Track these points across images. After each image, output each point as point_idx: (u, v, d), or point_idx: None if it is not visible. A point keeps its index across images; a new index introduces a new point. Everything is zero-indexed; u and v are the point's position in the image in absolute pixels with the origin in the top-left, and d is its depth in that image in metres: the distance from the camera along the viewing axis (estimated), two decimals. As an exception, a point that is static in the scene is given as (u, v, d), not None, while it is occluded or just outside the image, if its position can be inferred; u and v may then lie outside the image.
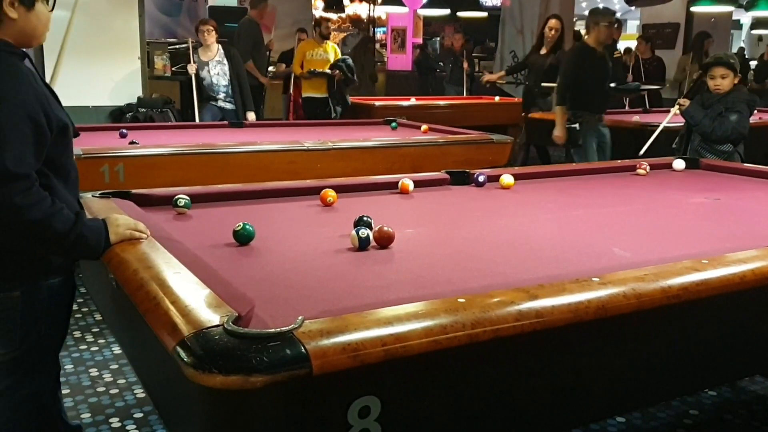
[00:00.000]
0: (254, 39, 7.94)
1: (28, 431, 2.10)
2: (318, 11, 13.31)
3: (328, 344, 1.35)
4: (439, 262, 2.12)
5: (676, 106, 4.71)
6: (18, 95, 1.81)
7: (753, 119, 5.10)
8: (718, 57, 4.78)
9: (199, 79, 6.49)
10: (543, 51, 7.51)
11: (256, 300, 1.62)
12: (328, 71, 7.85)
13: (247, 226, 2.25)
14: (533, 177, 3.61)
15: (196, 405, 1.41)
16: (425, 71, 12.74)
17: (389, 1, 13.21)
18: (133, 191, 2.79)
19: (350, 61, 8.09)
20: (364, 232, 2.22)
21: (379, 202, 3.00)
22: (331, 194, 2.87)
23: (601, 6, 17.58)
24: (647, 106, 8.62)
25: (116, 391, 3.20)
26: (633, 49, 10.48)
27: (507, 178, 3.34)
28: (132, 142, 4.46)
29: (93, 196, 2.63)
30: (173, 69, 8.96)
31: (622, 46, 11.74)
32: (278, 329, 1.36)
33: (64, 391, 2.51)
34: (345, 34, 15.08)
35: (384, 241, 2.23)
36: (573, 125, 5.74)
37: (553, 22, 7.40)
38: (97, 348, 3.62)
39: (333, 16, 14.11)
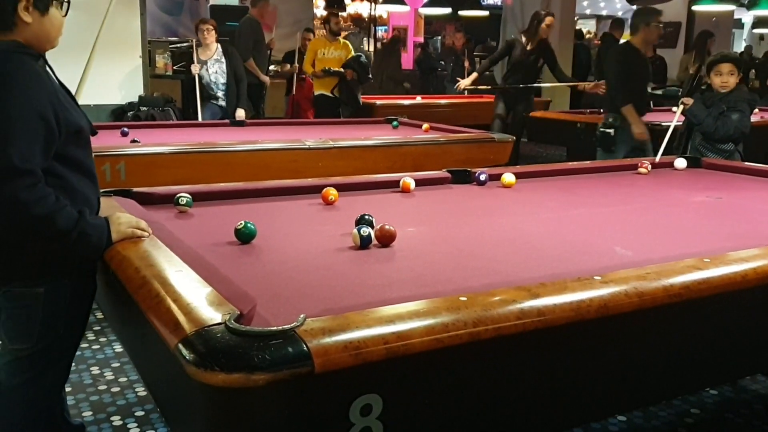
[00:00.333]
0: (255, 38, 7.93)
1: (37, 430, 2.12)
2: (319, 10, 13.30)
3: (329, 342, 1.35)
4: (440, 261, 2.12)
5: (681, 106, 4.70)
6: (28, 93, 1.84)
7: (754, 118, 5.09)
8: (726, 53, 4.77)
9: (198, 78, 6.50)
10: (529, 47, 7.16)
11: (258, 298, 1.62)
12: (342, 70, 7.64)
13: (249, 225, 2.25)
14: (535, 176, 3.61)
15: (197, 403, 1.41)
16: (427, 70, 12.73)
17: (390, -1, 13.21)
18: (135, 190, 2.80)
19: (363, 58, 7.90)
20: (365, 230, 2.22)
21: (380, 200, 3.00)
22: (332, 193, 2.87)
23: (602, 5, 17.57)
24: (650, 106, 8.60)
25: (117, 389, 3.20)
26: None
27: (508, 177, 3.34)
28: (133, 141, 4.46)
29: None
30: (174, 68, 8.97)
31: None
32: (280, 327, 1.36)
33: (66, 390, 2.51)
34: (346, 32, 15.06)
35: (385, 239, 2.23)
36: (608, 130, 5.47)
37: (550, 19, 7.20)
38: (98, 346, 3.62)
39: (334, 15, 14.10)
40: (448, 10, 12.60)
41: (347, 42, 8.12)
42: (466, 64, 10.83)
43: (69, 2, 2.06)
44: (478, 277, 1.92)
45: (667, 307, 1.79)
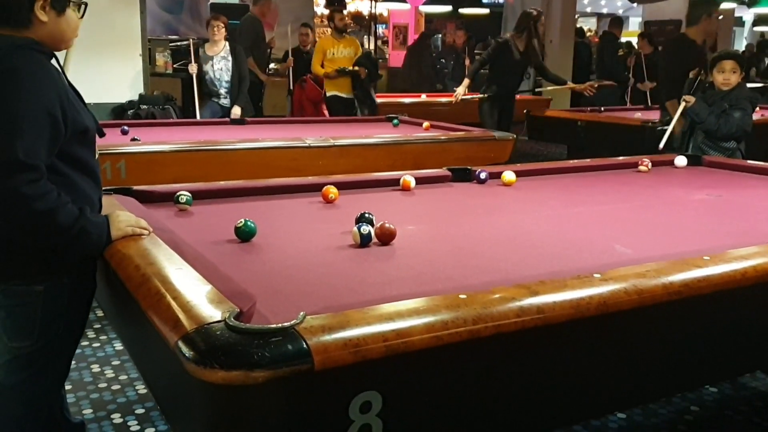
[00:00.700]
0: (255, 36, 7.93)
1: (35, 429, 2.12)
2: (320, 8, 13.30)
3: (329, 340, 1.35)
4: (440, 259, 2.13)
5: (683, 103, 4.69)
6: (38, 89, 1.85)
7: (755, 116, 5.09)
8: (728, 51, 4.76)
9: (202, 75, 6.50)
10: (521, 48, 6.86)
11: (258, 296, 1.63)
12: (355, 69, 7.40)
13: (249, 223, 2.25)
14: (535, 174, 3.61)
15: (197, 400, 1.41)
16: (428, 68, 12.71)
17: (391, -3, 13.21)
18: (135, 188, 2.80)
19: (371, 55, 7.79)
20: (365, 228, 2.22)
21: (380, 198, 3.00)
22: (332, 191, 2.87)
23: (603, 2, 17.58)
24: (649, 103, 8.60)
25: (118, 387, 3.21)
26: (635, 46, 10.47)
27: (509, 175, 3.34)
28: (134, 139, 4.46)
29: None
30: (175, 66, 8.97)
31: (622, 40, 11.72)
32: (280, 325, 1.36)
33: (66, 388, 2.52)
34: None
35: (385, 237, 2.23)
36: (664, 128, 5.14)
37: (542, 18, 7.00)
38: (98, 344, 3.63)
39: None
40: (448, 8, 12.61)
41: (354, 38, 7.90)
42: (467, 62, 10.84)
43: (86, 4, 2.08)
44: (478, 275, 1.93)
45: (667, 304, 1.79)
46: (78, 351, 2.79)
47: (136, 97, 6.97)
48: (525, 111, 7.65)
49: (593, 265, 1.95)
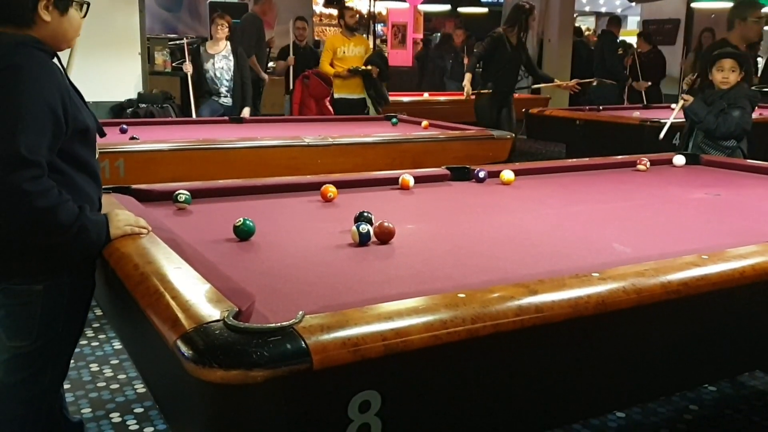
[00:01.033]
0: (257, 35, 7.92)
1: (35, 428, 2.12)
2: (319, 7, 13.29)
3: (328, 339, 1.35)
4: (439, 258, 2.13)
5: (681, 101, 4.68)
6: (40, 86, 1.86)
7: (755, 115, 5.08)
8: (728, 49, 4.75)
9: (201, 74, 6.49)
10: (513, 42, 6.80)
11: (257, 295, 1.62)
12: (368, 68, 7.11)
13: (248, 222, 2.25)
14: (534, 173, 3.61)
15: (196, 399, 1.41)
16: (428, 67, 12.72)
17: (390, -4, 13.20)
18: (134, 186, 2.79)
19: (382, 53, 7.56)
20: (364, 227, 2.22)
21: (379, 197, 3.00)
22: (331, 190, 2.87)
23: (601, 1, 17.55)
24: (645, 102, 8.61)
25: (117, 386, 3.21)
26: (633, 45, 10.47)
27: (507, 174, 3.34)
28: (132, 138, 4.46)
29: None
30: (173, 64, 8.97)
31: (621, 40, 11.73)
32: (279, 324, 1.36)
33: (65, 387, 2.52)
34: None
35: (384, 236, 2.23)
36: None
37: (534, 12, 6.91)
38: (97, 343, 3.63)
39: (334, 11, 14.08)
40: (447, 7, 12.60)
41: (364, 37, 7.66)
42: (466, 60, 10.84)
43: (89, 4, 2.09)
44: (477, 274, 1.93)
45: (666, 303, 1.79)
46: (77, 350, 2.79)
47: (134, 96, 6.97)
48: (523, 110, 7.65)
49: (592, 264, 1.95)
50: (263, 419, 1.36)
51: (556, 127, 7.25)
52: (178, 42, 8.89)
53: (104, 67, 6.55)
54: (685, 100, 4.64)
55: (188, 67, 6.48)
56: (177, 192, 2.69)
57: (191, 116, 6.55)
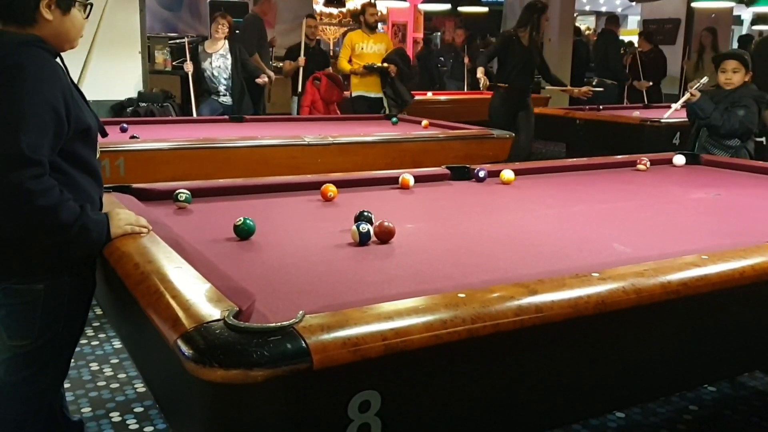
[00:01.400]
0: (259, 34, 7.92)
1: (35, 427, 2.12)
2: (319, 6, 13.28)
3: (328, 339, 1.35)
4: (439, 257, 2.13)
5: (688, 93, 4.66)
6: (42, 85, 1.86)
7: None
8: (731, 50, 4.75)
9: (200, 72, 6.50)
10: (525, 43, 6.60)
11: (257, 294, 1.63)
12: (385, 65, 6.92)
13: (248, 221, 2.25)
14: (534, 172, 3.61)
15: (196, 399, 1.41)
16: (429, 66, 12.69)
17: (390, -5, 13.15)
18: (134, 186, 2.80)
19: (404, 51, 7.26)
20: (364, 227, 2.22)
21: (379, 197, 3.00)
22: (331, 189, 2.87)
23: (601, 1, 17.54)
24: (646, 102, 8.61)
25: (117, 385, 3.21)
26: (635, 44, 10.47)
27: (507, 174, 3.34)
28: (133, 137, 4.46)
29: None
30: (174, 64, 8.96)
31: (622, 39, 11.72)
32: (279, 324, 1.37)
33: (65, 386, 2.52)
34: (345, 28, 15.06)
35: (384, 236, 2.23)
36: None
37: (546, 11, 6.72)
38: (97, 342, 3.63)
39: (334, 11, 14.08)
40: (447, 6, 12.59)
41: (386, 34, 7.48)
42: (466, 60, 10.84)
43: (92, 5, 2.09)
44: (477, 274, 1.93)
45: (665, 303, 1.79)
46: (77, 349, 2.79)
47: (135, 95, 6.96)
48: (527, 116, 7.60)
49: (592, 263, 1.95)
50: (263, 419, 1.36)
51: (556, 126, 7.25)
52: (178, 41, 8.88)
53: (104, 66, 6.53)
54: (692, 95, 4.62)
55: (189, 66, 6.50)
56: (177, 191, 2.69)
57: (191, 115, 6.55)
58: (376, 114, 6.72)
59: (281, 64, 8.58)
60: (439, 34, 15.37)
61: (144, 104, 6.87)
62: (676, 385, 2.25)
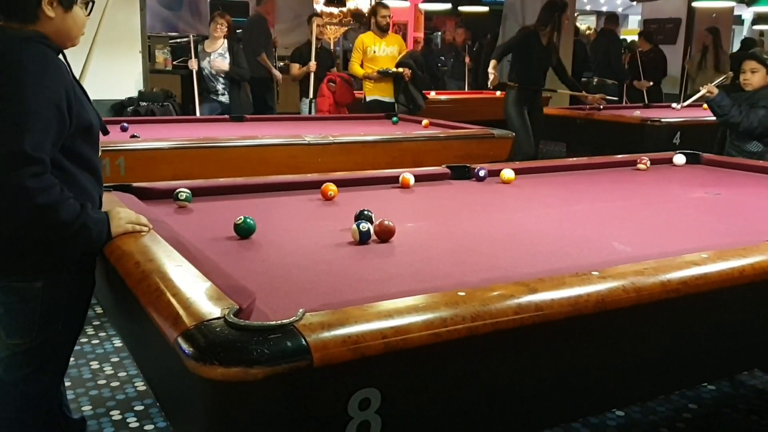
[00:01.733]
0: (266, 33, 7.94)
1: (34, 426, 2.12)
2: (319, 5, 13.27)
3: (328, 337, 1.36)
4: (439, 256, 2.13)
5: (705, 89, 4.63)
6: (45, 82, 1.87)
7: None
8: (750, 51, 4.74)
9: (199, 71, 6.51)
10: (544, 42, 6.42)
11: (257, 293, 1.63)
12: (400, 70, 6.66)
13: (248, 220, 2.26)
14: (534, 172, 3.61)
15: (197, 397, 1.41)
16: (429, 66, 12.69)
17: (390, -5, 13.15)
18: (134, 185, 2.80)
19: (418, 54, 7.03)
20: (364, 226, 2.22)
21: (379, 196, 3.00)
22: (332, 188, 2.88)
23: (602, 0, 17.52)
24: (646, 101, 8.61)
25: (117, 383, 3.21)
26: (629, 48, 10.46)
27: (507, 173, 3.34)
28: (133, 136, 4.47)
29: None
30: (174, 63, 8.96)
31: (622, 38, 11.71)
32: (279, 321, 1.37)
33: (66, 384, 2.52)
34: (346, 28, 15.06)
35: (385, 235, 2.24)
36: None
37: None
38: (97, 341, 3.63)
39: (335, 10, 14.07)
40: (448, 6, 12.59)
41: (398, 36, 7.14)
42: (467, 59, 10.84)
43: (93, 2, 2.10)
44: (477, 272, 1.93)
45: (665, 302, 1.79)
46: (77, 348, 2.80)
47: (135, 94, 6.97)
48: (539, 114, 7.58)
49: (592, 262, 1.96)
50: (263, 416, 1.36)
51: (557, 125, 7.24)
52: (182, 39, 8.87)
53: (105, 65, 6.54)
54: (710, 92, 4.59)
55: (194, 64, 6.48)
56: (178, 190, 2.70)
57: (193, 114, 6.56)
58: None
59: (286, 64, 8.49)
60: (439, 33, 15.35)
61: (144, 103, 6.87)
62: (676, 383, 2.26)
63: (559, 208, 2.89)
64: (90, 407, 3.00)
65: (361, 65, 6.82)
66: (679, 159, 4.00)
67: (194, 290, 1.56)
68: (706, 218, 2.77)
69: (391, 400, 1.44)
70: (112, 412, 2.97)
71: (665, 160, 4.03)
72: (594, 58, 10.38)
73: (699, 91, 4.84)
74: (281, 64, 8.95)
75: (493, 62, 6.41)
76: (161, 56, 8.89)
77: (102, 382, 3.23)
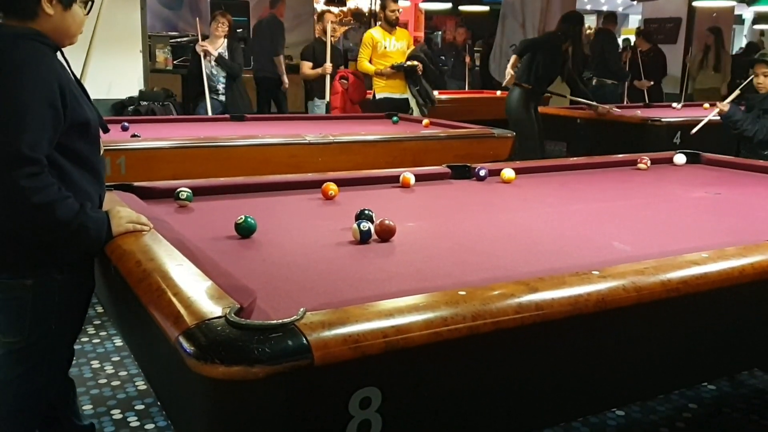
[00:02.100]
0: (283, 36, 7.99)
1: (29, 425, 2.12)
2: (319, 5, 13.27)
3: (329, 335, 1.36)
4: (439, 255, 2.13)
5: (717, 109, 4.64)
6: (39, 79, 1.87)
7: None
8: (761, 52, 4.73)
9: (201, 71, 6.51)
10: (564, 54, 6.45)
11: (258, 292, 1.63)
12: (414, 63, 6.50)
13: (249, 219, 2.26)
14: (534, 171, 3.61)
15: (198, 395, 1.42)
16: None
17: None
18: (135, 184, 2.80)
19: (428, 48, 6.93)
20: (365, 225, 2.22)
21: (380, 195, 3.01)
22: (332, 188, 2.88)
23: (602, 0, 17.50)
24: (647, 101, 8.60)
25: (117, 383, 3.22)
26: (632, 42, 10.45)
27: (508, 172, 3.34)
28: (134, 135, 4.47)
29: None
30: (175, 62, 8.97)
31: (620, 39, 11.70)
32: (280, 321, 1.37)
33: (76, 390, 2.51)
34: (346, 27, 15.06)
35: (385, 234, 2.24)
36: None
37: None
38: (98, 340, 3.63)
39: (335, 9, 14.06)
40: (448, 5, 12.58)
41: (406, 30, 6.99)
42: (467, 59, 10.84)
43: (92, 1, 2.10)
44: (477, 272, 1.93)
45: (665, 301, 1.80)
46: (78, 347, 2.81)
47: (136, 94, 6.97)
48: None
49: (592, 262, 1.96)
50: (264, 415, 1.37)
51: (557, 125, 7.24)
52: (183, 39, 8.88)
53: (105, 65, 6.54)
54: (721, 111, 4.58)
55: (201, 48, 6.36)
56: (178, 189, 2.70)
57: (193, 114, 6.56)
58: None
59: (293, 62, 8.40)
60: (439, 33, 15.35)
61: (145, 103, 6.88)
62: (676, 382, 2.26)
63: (559, 208, 2.89)
64: (91, 406, 3.01)
65: (370, 61, 6.66)
66: (680, 158, 4.01)
67: (195, 289, 1.56)
68: (707, 218, 2.78)
69: (392, 399, 1.44)
70: (112, 411, 2.98)
71: (665, 159, 4.04)
72: (592, 59, 10.36)
73: (713, 109, 4.80)
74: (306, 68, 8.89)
75: (514, 58, 6.37)
76: (162, 55, 8.90)
77: (103, 381, 3.23)
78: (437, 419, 1.57)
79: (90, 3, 2.09)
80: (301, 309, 1.42)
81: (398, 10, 6.70)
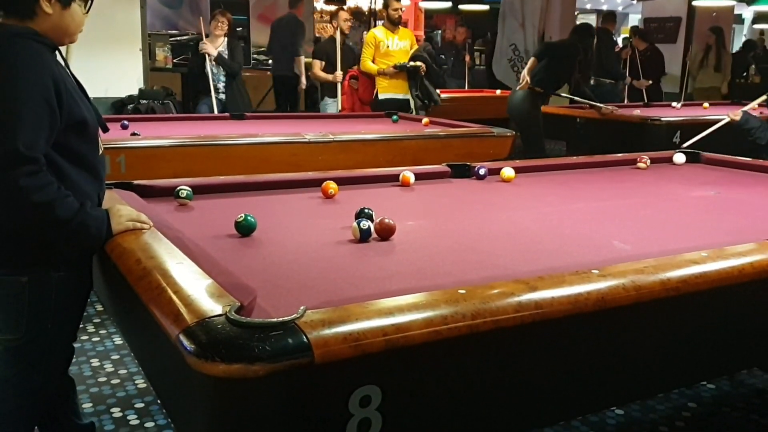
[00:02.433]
0: (303, 35, 8.02)
1: (28, 424, 2.12)
2: (320, 4, 13.27)
3: (329, 334, 1.36)
4: (439, 254, 2.13)
5: (727, 118, 4.63)
6: (35, 78, 1.86)
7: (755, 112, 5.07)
8: None
9: (201, 70, 6.52)
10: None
11: (259, 290, 1.63)
12: (417, 64, 6.48)
13: (249, 218, 2.26)
14: (534, 170, 3.62)
15: (198, 394, 1.42)
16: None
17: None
18: (135, 182, 2.80)
19: (431, 48, 6.90)
20: (365, 223, 2.23)
21: (380, 194, 3.01)
22: (332, 186, 2.88)
23: (603, -1, 17.47)
24: (646, 100, 8.60)
25: (117, 381, 3.22)
26: (630, 41, 10.44)
27: (508, 171, 3.34)
28: (133, 134, 4.47)
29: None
30: (174, 61, 8.97)
31: (619, 38, 11.69)
32: (280, 319, 1.37)
33: (77, 390, 2.51)
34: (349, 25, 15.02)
35: (385, 233, 2.24)
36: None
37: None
38: (98, 338, 3.63)
39: (334, 8, 14.05)
40: (448, 4, 12.58)
41: (409, 30, 7.02)
42: (467, 58, 10.83)
43: (92, 0, 2.09)
44: (477, 270, 1.93)
45: (665, 301, 1.80)
46: (77, 345, 2.81)
47: (135, 92, 6.98)
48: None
49: (591, 261, 1.96)
50: (264, 413, 1.37)
51: (557, 124, 7.24)
52: (184, 37, 8.87)
53: (105, 63, 6.56)
54: (732, 120, 4.56)
55: (205, 46, 6.37)
56: (178, 188, 2.70)
57: (192, 112, 6.57)
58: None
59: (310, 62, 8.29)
60: (439, 32, 15.34)
61: (145, 101, 6.89)
62: (675, 381, 2.26)
63: (559, 207, 2.89)
64: (90, 404, 3.01)
65: (373, 61, 6.62)
66: (679, 158, 4.01)
67: (195, 287, 1.57)
68: (706, 217, 2.78)
69: (392, 397, 1.44)
70: (112, 410, 2.98)
71: (665, 158, 4.04)
72: (594, 58, 10.36)
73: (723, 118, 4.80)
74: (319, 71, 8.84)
75: (532, 61, 6.50)
76: (161, 54, 8.91)
77: (102, 379, 3.23)
78: (437, 417, 1.58)
79: (90, 2, 2.09)
80: (302, 307, 1.42)
81: (401, 9, 6.65)
